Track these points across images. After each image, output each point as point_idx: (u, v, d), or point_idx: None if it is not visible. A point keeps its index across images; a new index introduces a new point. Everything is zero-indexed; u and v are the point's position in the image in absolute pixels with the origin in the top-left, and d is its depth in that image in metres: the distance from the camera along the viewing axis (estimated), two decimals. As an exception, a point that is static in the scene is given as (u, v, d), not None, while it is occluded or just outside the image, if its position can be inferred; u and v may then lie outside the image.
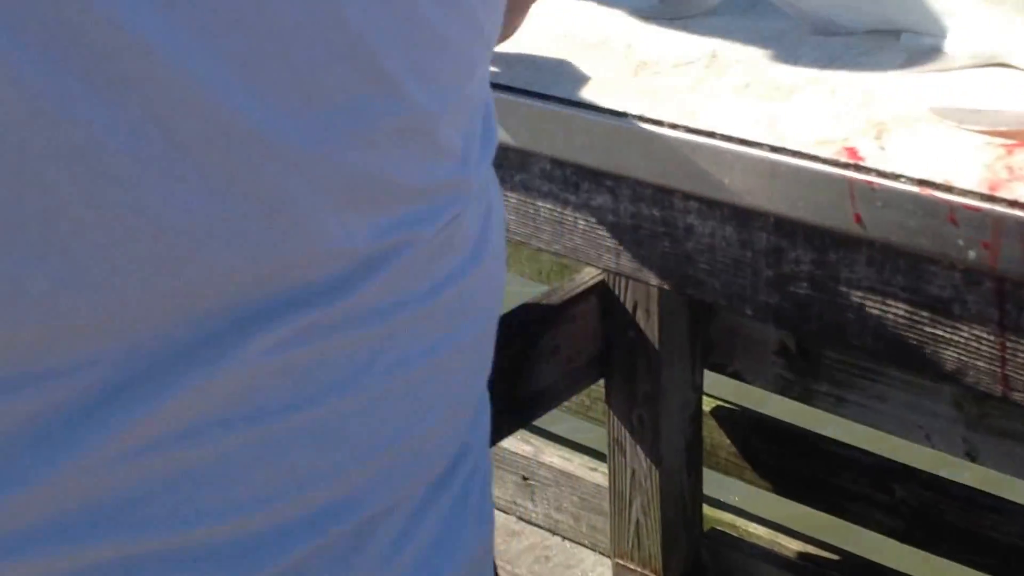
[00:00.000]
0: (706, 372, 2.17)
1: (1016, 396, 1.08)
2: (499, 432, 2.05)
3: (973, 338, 1.08)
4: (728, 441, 2.24)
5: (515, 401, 1.99)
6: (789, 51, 1.29)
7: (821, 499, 2.17)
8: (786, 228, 1.15)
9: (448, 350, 0.80)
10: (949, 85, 1.18)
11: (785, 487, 2.21)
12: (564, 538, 2.48)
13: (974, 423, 1.84)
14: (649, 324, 2.01)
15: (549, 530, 2.50)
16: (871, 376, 1.92)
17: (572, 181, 1.29)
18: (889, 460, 2.09)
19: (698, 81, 1.26)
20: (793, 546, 2.24)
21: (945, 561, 2.05)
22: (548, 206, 1.31)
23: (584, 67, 1.31)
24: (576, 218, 1.30)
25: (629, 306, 2.03)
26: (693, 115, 1.20)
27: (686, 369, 2.10)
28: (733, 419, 2.23)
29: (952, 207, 1.03)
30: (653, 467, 2.16)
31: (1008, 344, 1.06)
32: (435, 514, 0.82)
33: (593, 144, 1.23)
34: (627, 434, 2.16)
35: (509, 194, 1.32)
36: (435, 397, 0.80)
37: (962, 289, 1.07)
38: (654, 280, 1.27)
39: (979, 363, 1.09)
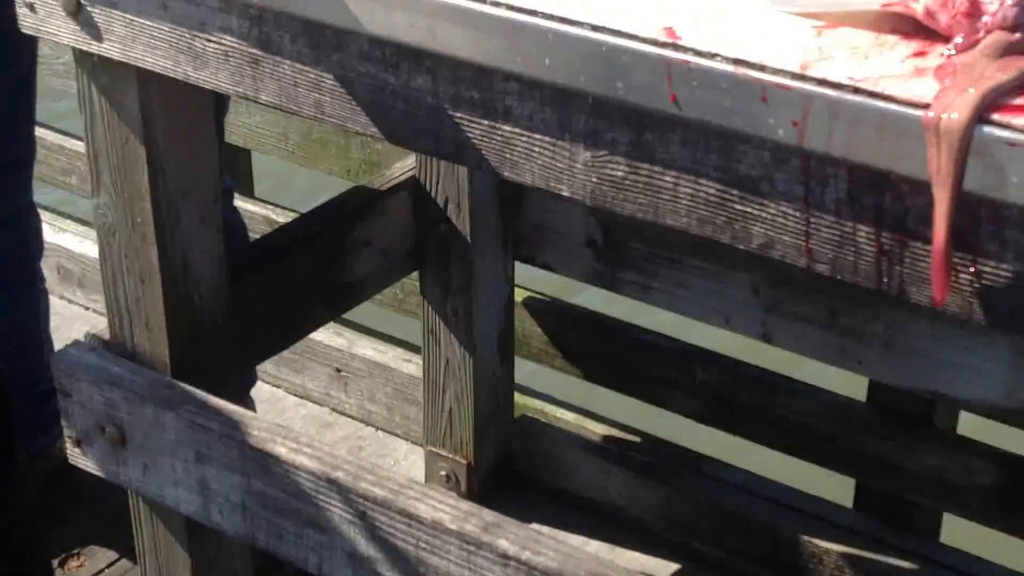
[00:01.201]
0: (518, 265, 2.18)
1: (819, 268, 1.11)
2: (312, 324, 2.02)
3: (780, 214, 1.10)
4: (539, 330, 2.25)
5: (329, 293, 1.96)
6: (606, -65, 1.27)
7: (627, 384, 2.21)
8: (604, 109, 1.15)
9: None
10: (760, -30, 1.18)
11: (593, 374, 2.25)
12: (378, 428, 2.48)
13: (771, 307, 1.89)
14: (460, 218, 2.00)
15: (363, 421, 2.49)
16: (674, 265, 1.96)
17: (392, 62, 1.25)
18: (691, 345, 2.15)
19: (517, -37, 1.23)
20: (599, 430, 2.29)
21: (743, 441, 2.12)
22: (366, 88, 1.27)
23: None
24: (395, 100, 1.26)
25: (440, 200, 2.01)
26: (514, -5, 1.17)
27: (498, 261, 2.10)
28: (544, 309, 2.25)
29: (764, 86, 1.03)
30: (467, 356, 2.16)
31: (812, 219, 1.08)
32: None
33: (413, 22, 1.19)
34: (441, 324, 2.15)
35: (324, 75, 1.28)
36: None
37: (771, 167, 1.08)
38: (472, 163, 1.25)
39: (785, 237, 1.11)
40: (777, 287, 1.87)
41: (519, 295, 2.23)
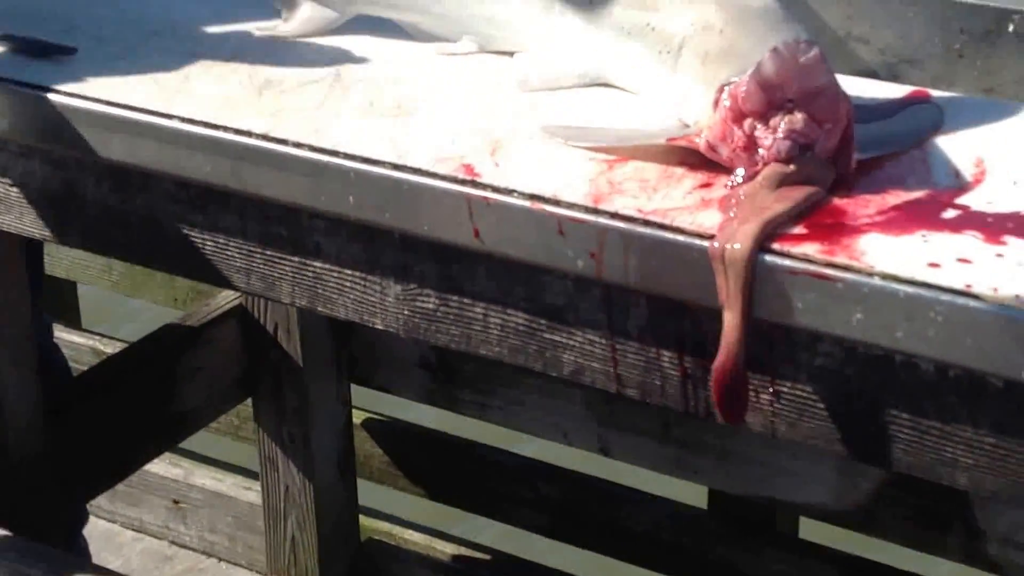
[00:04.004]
0: (355, 386, 2.19)
1: (629, 392, 1.15)
2: (144, 458, 2.00)
3: (587, 341, 1.14)
4: (380, 451, 2.26)
5: (159, 423, 1.95)
6: (412, 71, 1.32)
7: (472, 501, 2.23)
8: (411, 243, 1.18)
9: None
10: (558, 104, 1.24)
11: (438, 492, 2.26)
12: (220, 559, 2.44)
13: (605, 421, 1.94)
14: (291, 343, 2.02)
15: (204, 552, 2.45)
16: (509, 382, 1.99)
17: (198, 202, 1.27)
18: (533, 459, 2.18)
19: (323, 100, 1.27)
20: (448, 550, 2.29)
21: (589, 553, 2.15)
22: (174, 228, 1.28)
23: (210, 85, 1.29)
24: (204, 239, 1.28)
25: (270, 327, 2.03)
26: (318, 134, 1.21)
27: (332, 384, 2.12)
28: (384, 430, 2.26)
29: (560, 220, 1.08)
30: (307, 482, 2.16)
31: (618, 346, 1.13)
32: None
33: (217, 164, 1.22)
34: (278, 451, 2.15)
35: (131, 216, 1.29)
36: None
37: (574, 297, 1.12)
38: (285, 299, 1.27)
39: (594, 364, 1.15)
40: (610, 401, 1.92)
41: (358, 416, 2.24)
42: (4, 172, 1.34)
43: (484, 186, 1.11)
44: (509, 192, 1.10)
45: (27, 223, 1.35)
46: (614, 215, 1.06)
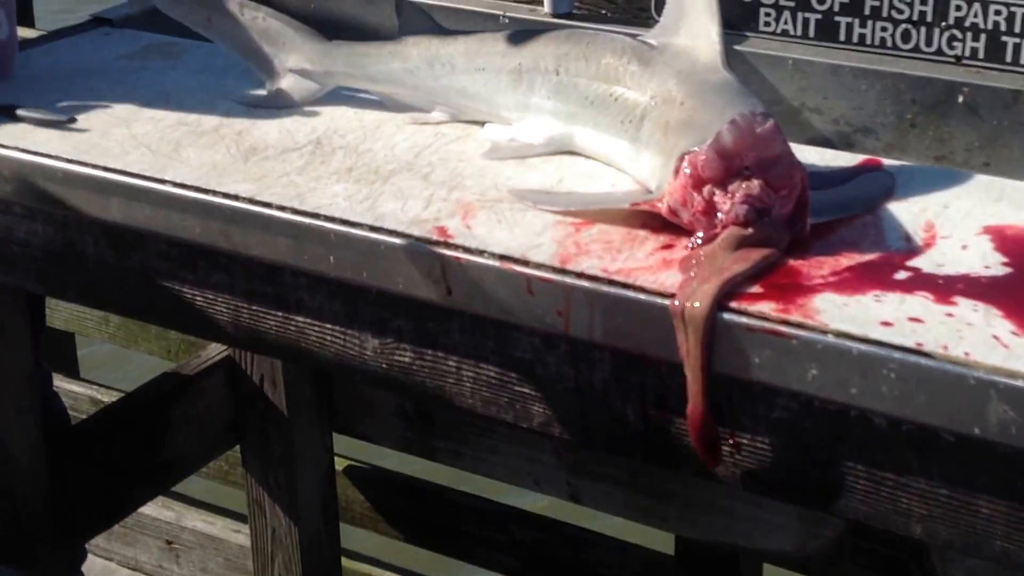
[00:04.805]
0: (337, 435, 2.16)
1: (595, 443, 1.13)
2: (138, 501, 1.97)
3: (555, 394, 1.12)
4: (361, 497, 2.23)
5: (152, 469, 1.93)
6: (387, 139, 1.31)
7: (448, 545, 2.19)
8: (388, 300, 1.16)
9: None
10: (527, 170, 1.23)
11: (415, 537, 2.22)
12: (210, 600, 2.40)
13: (574, 469, 1.91)
14: (276, 393, 1.99)
15: (196, 592, 2.40)
16: (483, 431, 1.97)
17: (189, 260, 1.25)
18: (507, 505, 2.15)
19: (305, 166, 1.26)
20: (425, 591, 2.26)
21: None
22: (166, 284, 1.27)
23: (199, 152, 1.28)
24: (194, 295, 1.26)
25: (256, 378, 2.01)
26: (300, 198, 1.19)
27: (316, 433, 2.09)
28: (365, 476, 2.23)
29: (529, 279, 1.06)
30: (292, 525, 2.13)
31: (584, 399, 1.10)
32: None
33: (208, 225, 1.20)
34: (265, 495, 2.12)
35: (126, 273, 1.27)
36: None
37: (543, 351, 1.11)
38: (270, 352, 1.25)
39: (561, 416, 1.13)
40: (580, 449, 1.89)
41: (340, 463, 2.21)
42: (9, 232, 1.32)
43: (456, 247, 1.10)
44: (480, 253, 1.09)
45: (30, 279, 1.33)
46: (580, 275, 1.05)
